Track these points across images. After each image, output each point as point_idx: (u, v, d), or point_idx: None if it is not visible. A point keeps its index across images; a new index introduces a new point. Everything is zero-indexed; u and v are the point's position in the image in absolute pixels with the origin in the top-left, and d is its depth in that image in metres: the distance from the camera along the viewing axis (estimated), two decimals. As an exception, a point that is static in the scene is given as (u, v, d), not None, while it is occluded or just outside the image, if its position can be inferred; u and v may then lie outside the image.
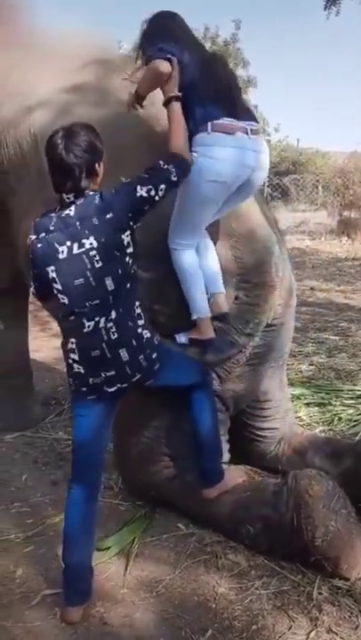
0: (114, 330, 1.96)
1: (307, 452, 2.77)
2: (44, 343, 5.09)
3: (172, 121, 2.16)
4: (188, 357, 2.37)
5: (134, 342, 2.01)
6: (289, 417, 2.91)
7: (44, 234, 1.96)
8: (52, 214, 1.98)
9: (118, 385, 2.03)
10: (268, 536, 2.25)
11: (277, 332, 2.61)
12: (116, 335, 1.97)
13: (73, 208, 1.94)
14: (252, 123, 2.21)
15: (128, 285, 1.99)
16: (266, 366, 2.66)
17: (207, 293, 2.36)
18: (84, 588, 2.06)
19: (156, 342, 2.11)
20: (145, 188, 1.94)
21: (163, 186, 1.97)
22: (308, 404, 3.76)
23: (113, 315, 1.96)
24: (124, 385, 2.04)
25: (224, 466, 2.48)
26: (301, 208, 17.90)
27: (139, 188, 1.95)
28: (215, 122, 2.13)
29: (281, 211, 15.66)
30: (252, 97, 19.78)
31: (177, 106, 2.16)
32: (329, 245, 12.58)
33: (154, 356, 2.07)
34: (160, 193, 1.97)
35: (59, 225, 1.94)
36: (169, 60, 2.14)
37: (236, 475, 2.47)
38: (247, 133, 2.16)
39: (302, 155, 20.32)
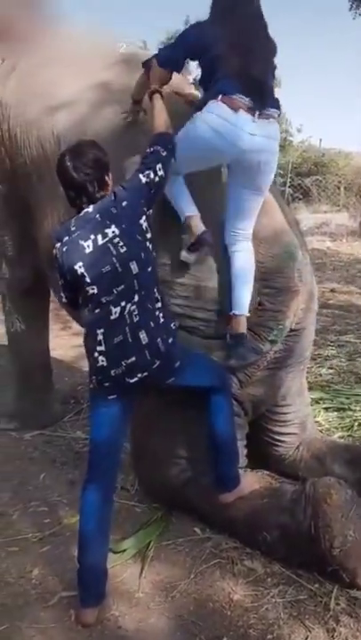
0: (136, 312, 2.03)
1: (326, 459, 2.74)
2: (65, 342, 5.12)
3: (154, 108, 2.31)
4: (209, 359, 2.37)
5: (152, 324, 2.05)
6: (308, 422, 2.87)
7: (67, 237, 2.05)
8: (72, 220, 2.09)
9: (139, 375, 2.04)
10: (285, 544, 2.22)
11: (298, 337, 2.58)
12: (137, 318, 2.03)
13: (91, 207, 2.05)
14: (267, 108, 2.23)
15: (150, 269, 2.08)
16: (286, 371, 2.63)
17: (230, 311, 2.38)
18: (98, 589, 2.07)
19: (173, 327, 2.16)
20: (145, 175, 2.10)
21: (158, 165, 2.12)
22: (326, 409, 3.72)
23: (136, 298, 2.03)
24: (145, 374, 2.04)
25: (241, 471, 2.46)
26: (323, 209, 17.71)
27: (141, 176, 2.10)
28: (227, 95, 2.19)
29: (302, 212, 15.52)
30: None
31: (157, 97, 2.31)
32: (350, 247, 12.43)
33: (170, 340, 2.10)
34: (160, 172, 2.12)
35: (79, 223, 2.04)
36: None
37: (253, 480, 2.45)
38: (253, 115, 2.19)
39: (325, 155, 20.07)
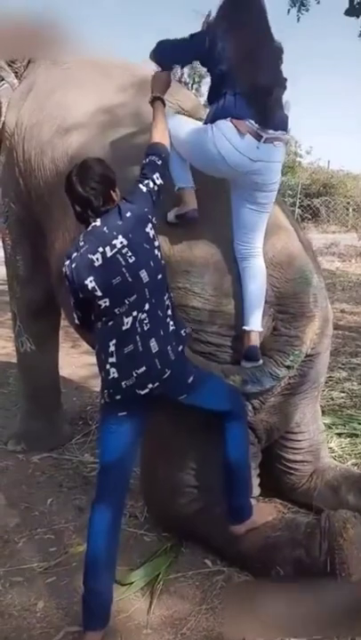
0: (147, 321, 2.02)
1: (340, 488, 2.66)
2: (74, 360, 5.09)
3: (155, 117, 2.34)
4: (225, 383, 2.32)
5: (162, 332, 2.04)
6: (323, 450, 2.80)
7: (75, 254, 2.05)
8: (80, 236, 2.10)
9: (150, 385, 2.01)
10: (300, 580, 2.14)
11: (313, 363, 2.53)
12: (148, 326, 2.02)
13: (98, 221, 2.06)
14: (272, 131, 2.24)
15: (159, 276, 2.08)
16: (300, 397, 2.57)
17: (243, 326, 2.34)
18: (103, 612, 2.02)
19: (184, 334, 2.15)
20: (144, 184, 2.13)
21: (156, 175, 2.16)
22: (339, 434, 3.63)
23: (147, 306, 2.02)
24: (156, 385, 2.01)
25: (253, 501, 2.39)
26: (332, 229, 17.74)
27: (141, 186, 2.12)
28: (240, 120, 2.20)
29: (311, 232, 15.54)
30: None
31: (159, 104, 2.33)
32: (359, 267, 12.39)
33: (180, 348, 2.07)
34: (157, 181, 2.15)
35: (87, 238, 2.05)
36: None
37: (266, 511, 2.38)
38: (259, 140, 2.21)
39: (333, 177, 20.18)
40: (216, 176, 2.39)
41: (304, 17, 6.10)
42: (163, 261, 2.12)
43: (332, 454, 3.31)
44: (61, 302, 3.01)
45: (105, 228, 2.03)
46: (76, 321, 2.19)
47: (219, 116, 2.24)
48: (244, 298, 2.35)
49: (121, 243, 2.01)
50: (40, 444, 3.43)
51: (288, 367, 2.38)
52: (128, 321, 2.01)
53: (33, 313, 3.33)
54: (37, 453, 3.40)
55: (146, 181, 2.13)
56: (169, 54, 2.40)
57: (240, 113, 2.20)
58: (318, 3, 5.97)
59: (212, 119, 2.27)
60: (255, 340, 2.34)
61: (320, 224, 17.58)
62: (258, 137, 2.21)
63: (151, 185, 2.13)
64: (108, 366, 2.03)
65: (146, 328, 2.01)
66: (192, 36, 2.32)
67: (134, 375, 2.00)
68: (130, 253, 2.01)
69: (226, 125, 2.21)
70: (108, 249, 2.00)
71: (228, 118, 2.20)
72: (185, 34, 2.31)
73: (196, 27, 2.36)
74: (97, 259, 2.01)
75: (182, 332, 2.14)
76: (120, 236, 2.01)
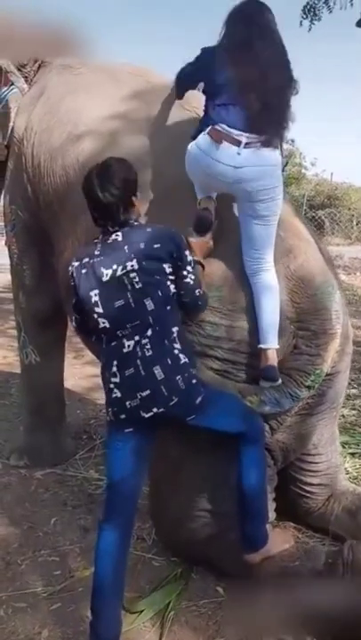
0: (148, 347, 1.95)
1: (358, 513, 2.54)
2: (77, 371, 4.98)
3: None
4: (241, 403, 2.21)
5: (169, 361, 1.96)
6: (340, 472, 2.69)
7: (87, 259, 2.01)
8: (97, 241, 2.05)
9: (155, 410, 1.92)
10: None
11: (332, 382, 2.42)
12: (150, 352, 1.94)
13: (120, 234, 2.00)
14: (254, 135, 2.15)
15: (168, 308, 2.01)
16: (318, 417, 2.46)
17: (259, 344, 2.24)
18: (111, 637, 1.93)
19: (195, 372, 2.04)
20: (185, 269, 2.03)
21: (189, 281, 2.05)
22: (353, 454, 3.52)
23: (149, 332, 1.96)
24: (161, 410, 1.93)
25: (269, 527, 2.26)
26: (336, 242, 17.70)
27: (187, 254, 2.05)
28: (213, 127, 2.16)
29: (316, 244, 15.47)
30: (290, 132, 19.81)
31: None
32: (365, 281, 12.32)
33: (194, 381, 1.98)
34: (186, 270, 2.03)
35: (105, 250, 2.00)
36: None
37: (282, 539, 2.25)
38: (239, 145, 2.14)
39: (338, 189, 20.19)
40: (214, 191, 2.32)
41: (315, 28, 6.09)
42: (174, 294, 2.03)
43: (346, 475, 3.20)
44: (68, 311, 2.92)
45: (126, 247, 1.97)
46: (73, 323, 2.15)
47: (200, 130, 2.22)
48: (258, 315, 2.25)
49: (132, 266, 1.95)
50: (43, 459, 3.32)
51: (309, 387, 2.28)
52: (130, 344, 1.96)
53: (39, 324, 3.23)
54: (41, 469, 3.29)
55: (187, 269, 2.04)
56: (181, 83, 2.47)
57: (215, 119, 2.17)
58: (331, 12, 5.94)
59: (194, 135, 2.24)
60: (273, 359, 2.24)
61: (324, 236, 17.53)
62: (236, 143, 2.15)
63: (182, 272, 2.03)
64: (111, 385, 1.99)
65: (148, 353, 1.94)
66: (197, 58, 2.32)
67: (139, 397, 1.94)
68: (137, 279, 1.95)
69: (202, 139, 2.19)
70: (120, 268, 1.96)
71: (208, 129, 2.18)
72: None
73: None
74: (106, 274, 1.97)
75: (194, 367, 2.05)
76: (135, 260, 1.95)
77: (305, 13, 5.91)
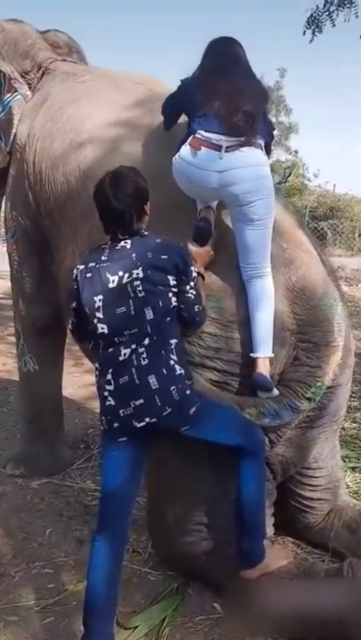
0: (144, 355, 1.93)
1: (359, 529, 2.50)
2: (76, 379, 4.93)
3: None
4: (238, 416, 2.17)
5: (164, 371, 1.94)
6: (341, 487, 2.65)
7: (93, 264, 2.00)
8: (104, 246, 2.04)
9: (147, 419, 1.90)
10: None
11: (333, 395, 2.39)
12: (146, 361, 1.93)
13: (130, 242, 2.00)
14: (235, 138, 2.17)
15: (168, 319, 1.99)
16: (318, 430, 2.42)
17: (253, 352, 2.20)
18: None
19: (190, 383, 2.01)
20: (188, 284, 2.03)
21: (190, 296, 2.04)
22: (353, 469, 3.48)
23: (146, 341, 1.94)
24: (154, 420, 1.91)
25: (267, 542, 2.21)
26: (338, 253, 17.67)
27: (192, 270, 2.04)
28: (193, 135, 2.19)
29: (318, 255, 15.43)
30: (293, 143, 19.95)
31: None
32: (367, 292, 12.27)
33: (188, 392, 1.96)
34: (189, 285, 2.03)
35: (113, 256, 1.99)
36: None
37: (280, 555, 2.21)
38: (220, 150, 2.15)
39: (340, 200, 20.20)
40: (206, 199, 2.32)
41: (318, 39, 6.10)
42: (175, 307, 2.01)
43: (347, 490, 3.16)
44: (67, 320, 2.89)
45: (134, 255, 1.96)
46: (70, 327, 2.14)
47: (183, 141, 2.24)
48: (251, 322, 2.21)
49: (137, 274, 1.94)
50: (40, 469, 3.28)
51: (309, 400, 2.24)
52: (126, 352, 1.94)
53: (38, 331, 3.21)
54: (37, 478, 3.24)
55: (190, 284, 2.03)
56: (166, 115, 2.51)
57: (195, 128, 2.20)
58: (334, 26, 5.96)
59: (178, 148, 2.25)
60: (264, 367, 2.19)
61: (327, 247, 17.51)
62: (217, 148, 2.16)
63: (184, 286, 2.02)
64: (105, 393, 1.97)
65: (143, 363, 1.93)
66: (177, 88, 2.41)
67: (132, 405, 1.92)
68: (140, 287, 1.94)
69: (184, 149, 2.21)
70: (126, 276, 1.95)
71: (189, 139, 2.20)
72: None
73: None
74: (113, 280, 1.96)
75: (190, 379, 2.02)
76: (140, 268, 1.94)
77: (308, 24, 5.92)
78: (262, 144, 2.26)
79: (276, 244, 2.30)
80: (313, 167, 29.34)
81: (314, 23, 5.95)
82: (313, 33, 6.00)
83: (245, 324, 2.21)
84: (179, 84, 2.41)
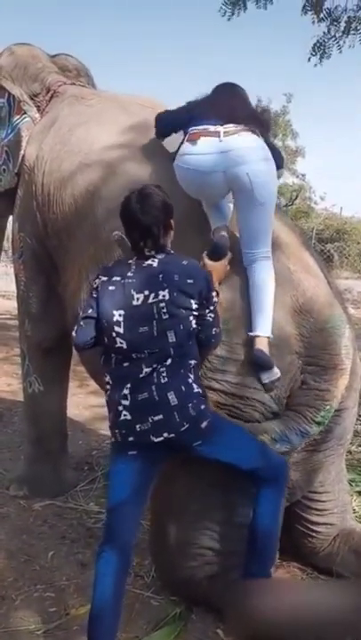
0: (165, 374, 1.95)
1: (365, 554, 2.46)
2: (81, 400, 4.92)
3: None
4: (253, 438, 2.14)
5: (183, 388, 1.96)
6: (348, 512, 2.61)
7: (119, 278, 2.01)
8: (130, 262, 2.05)
9: (165, 434, 1.92)
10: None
11: (340, 418, 2.36)
12: (166, 379, 1.95)
13: (157, 261, 2.02)
14: (232, 125, 2.22)
15: (190, 342, 2.02)
16: (325, 454, 2.40)
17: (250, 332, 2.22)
18: None
19: (204, 399, 2.04)
20: (208, 308, 2.05)
21: (208, 319, 2.06)
22: (360, 493, 3.43)
23: (168, 362, 1.97)
24: (172, 436, 1.92)
25: (272, 569, 2.18)
26: (345, 275, 17.69)
27: (213, 295, 2.07)
28: (188, 131, 2.26)
29: (324, 277, 15.45)
30: (300, 166, 20.11)
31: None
32: (374, 315, 12.25)
33: (202, 407, 2.00)
34: (209, 309, 2.05)
35: (139, 273, 2.01)
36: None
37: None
38: (218, 136, 2.20)
39: (347, 223, 20.31)
40: (212, 196, 2.35)
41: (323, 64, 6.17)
42: (194, 329, 2.02)
43: (353, 514, 3.11)
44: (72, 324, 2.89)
45: (161, 275, 1.98)
46: (74, 333, 2.09)
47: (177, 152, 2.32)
48: (251, 303, 2.23)
49: (163, 296, 1.96)
50: (43, 490, 3.24)
51: (319, 423, 2.22)
52: (147, 370, 1.96)
53: (43, 352, 3.20)
54: (40, 500, 3.21)
55: (209, 308, 2.06)
56: (159, 123, 2.59)
57: (189, 128, 2.27)
58: (340, 52, 6.03)
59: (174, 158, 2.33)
60: (263, 346, 2.18)
61: (333, 269, 17.53)
62: (215, 134, 2.21)
63: (206, 313, 2.05)
64: (120, 407, 1.97)
65: (163, 381, 1.95)
66: (179, 108, 2.51)
67: (150, 421, 1.93)
68: (165, 310, 1.96)
69: (181, 148, 2.27)
70: (152, 295, 1.96)
71: (186, 135, 2.29)
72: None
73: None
74: (138, 298, 1.97)
75: (204, 398, 2.04)
76: (167, 290, 1.96)
77: (314, 50, 5.99)
78: (259, 133, 2.30)
79: (284, 266, 2.30)
80: (320, 190, 29.56)
81: (320, 50, 6.02)
82: (320, 59, 6.07)
83: (252, 346, 2.20)
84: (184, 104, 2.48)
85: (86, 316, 2.06)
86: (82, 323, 2.06)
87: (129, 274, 2.01)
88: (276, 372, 2.20)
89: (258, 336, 2.19)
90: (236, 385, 2.20)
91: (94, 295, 2.05)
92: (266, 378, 2.20)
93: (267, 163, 2.26)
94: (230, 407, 2.21)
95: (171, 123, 2.52)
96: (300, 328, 2.24)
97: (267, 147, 2.28)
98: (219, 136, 2.20)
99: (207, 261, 2.23)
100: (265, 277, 2.24)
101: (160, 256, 2.03)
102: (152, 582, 2.49)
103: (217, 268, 2.23)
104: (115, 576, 1.92)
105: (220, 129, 2.21)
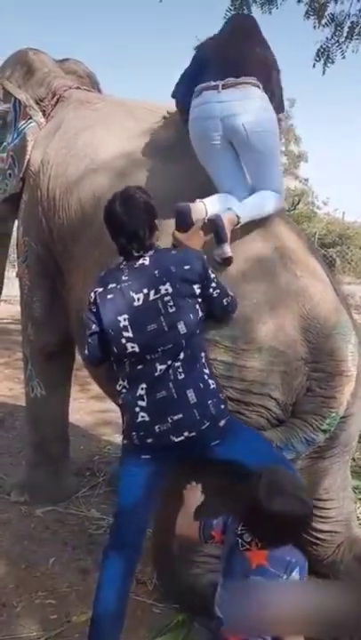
0: (181, 370, 1.95)
1: (370, 562, 2.43)
2: (82, 405, 4.90)
3: None
4: (267, 441, 2.11)
5: (201, 385, 1.96)
6: (353, 519, 2.58)
7: (114, 284, 2.01)
8: (122, 266, 2.05)
9: (186, 433, 1.90)
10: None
11: (345, 425, 2.33)
12: (182, 375, 1.94)
13: (148, 259, 2.02)
14: (231, 79, 2.30)
15: (198, 332, 2.01)
16: (330, 461, 2.37)
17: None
18: None
19: (223, 397, 2.05)
20: (211, 286, 2.05)
21: (215, 295, 2.07)
22: (364, 500, 3.40)
23: (182, 355, 1.96)
24: (193, 434, 1.90)
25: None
26: (347, 280, 17.67)
27: (210, 271, 2.06)
28: (195, 90, 2.36)
29: (326, 282, 15.44)
30: (302, 171, 20.15)
31: None
32: (376, 321, 12.22)
33: (222, 406, 2.00)
34: (212, 287, 2.05)
35: (134, 275, 2.00)
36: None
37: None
38: (217, 89, 2.30)
39: (349, 228, 20.28)
40: (212, 148, 2.38)
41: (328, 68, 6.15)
42: (201, 317, 2.03)
43: (358, 522, 3.08)
44: (78, 344, 2.87)
45: (156, 271, 1.98)
46: (86, 352, 2.10)
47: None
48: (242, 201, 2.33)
49: (166, 290, 1.95)
50: (44, 496, 3.23)
51: (325, 431, 2.20)
52: (162, 368, 1.94)
53: (46, 357, 3.19)
54: (41, 506, 3.20)
55: (213, 285, 2.06)
56: (177, 94, 2.60)
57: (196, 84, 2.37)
58: (343, 57, 6.02)
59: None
60: (227, 220, 2.22)
61: (335, 274, 17.49)
62: (214, 87, 2.31)
63: (212, 288, 2.05)
64: (137, 409, 1.96)
65: (180, 377, 1.94)
66: (184, 71, 2.56)
67: (170, 421, 1.92)
68: (171, 302, 1.95)
69: (191, 104, 2.38)
70: (152, 292, 1.96)
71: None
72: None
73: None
74: (138, 298, 1.96)
75: (221, 394, 2.04)
76: (168, 283, 1.96)
77: (318, 56, 5.98)
78: (261, 86, 2.34)
79: (290, 272, 2.29)
80: (322, 195, 29.60)
81: (324, 55, 6.01)
82: (324, 64, 6.06)
83: (258, 352, 2.18)
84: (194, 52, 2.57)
85: (92, 333, 2.06)
86: (90, 340, 2.07)
87: (123, 277, 2.01)
88: (227, 250, 2.22)
89: (230, 209, 2.26)
90: (242, 391, 2.18)
91: (93, 310, 2.04)
92: (217, 255, 2.23)
93: (265, 112, 2.34)
94: (235, 413, 2.18)
95: (184, 92, 2.55)
96: (307, 333, 2.21)
97: (266, 97, 2.35)
98: (217, 89, 2.30)
99: (177, 235, 2.23)
100: (268, 195, 2.36)
101: (149, 253, 2.04)
102: (154, 590, 2.48)
103: (190, 238, 2.22)
104: (119, 581, 1.91)
105: (220, 82, 2.31)
